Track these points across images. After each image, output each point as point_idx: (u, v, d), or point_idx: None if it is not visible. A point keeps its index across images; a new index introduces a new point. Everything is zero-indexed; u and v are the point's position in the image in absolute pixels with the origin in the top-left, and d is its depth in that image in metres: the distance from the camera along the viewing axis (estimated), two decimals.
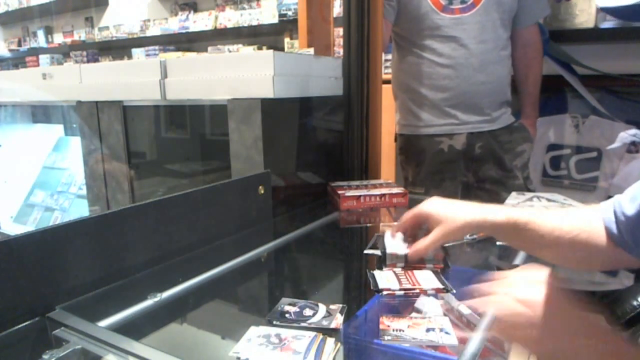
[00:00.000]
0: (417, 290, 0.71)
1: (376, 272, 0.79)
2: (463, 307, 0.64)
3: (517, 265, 0.84)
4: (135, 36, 4.62)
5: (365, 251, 0.91)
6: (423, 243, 0.77)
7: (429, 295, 0.70)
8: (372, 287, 0.74)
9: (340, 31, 1.71)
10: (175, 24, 4.27)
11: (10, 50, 5.85)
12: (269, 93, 1.09)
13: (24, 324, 0.65)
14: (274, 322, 0.63)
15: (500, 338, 0.55)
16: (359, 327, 0.57)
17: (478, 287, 0.59)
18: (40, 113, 1.94)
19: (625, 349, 0.51)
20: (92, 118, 1.47)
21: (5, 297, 0.62)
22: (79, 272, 0.72)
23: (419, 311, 0.67)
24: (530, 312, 0.53)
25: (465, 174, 1.61)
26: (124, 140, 1.43)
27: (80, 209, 1.68)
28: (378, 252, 0.88)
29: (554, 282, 0.55)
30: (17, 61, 5.74)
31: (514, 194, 1.16)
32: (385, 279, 0.76)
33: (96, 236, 0.74)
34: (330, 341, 0.58)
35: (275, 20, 3.60)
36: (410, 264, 0.80)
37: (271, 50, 1.10)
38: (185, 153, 1.51)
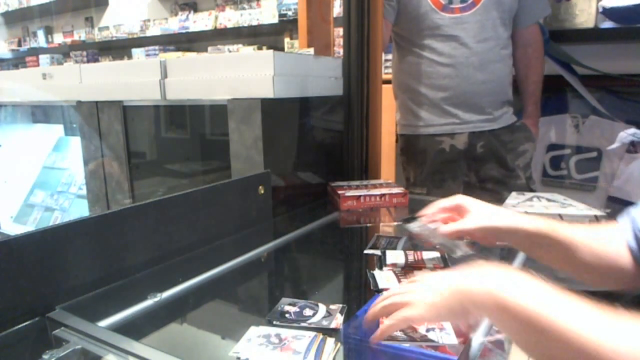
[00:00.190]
0: None
1: (376, 272, 0.79)
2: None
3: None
4: (135, 36, 4.62)
5: (365, 251, 0.92)
6: (462, 225, 0.75)
7: None
8: (372, 287, 0.74)
9: (340, 31, 1.71)
10: (175, 24, 4.27)
11: (11, 50, 5.85)
12: (269, 93, 1.09)
13: (24, 324, 0.65)
14: (274, 322, 0.63)
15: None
16: (359, 327, 0.57)
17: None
18: (40, 113, 1.93)
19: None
20: (92, 118, 1.47)
21: (5, 297, 0.63)
22: (79, 272, 0.72)
23: None
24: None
25: (467, 173, 1.61)
26: (124, 140, 1.43)
27: (80, 209, 1.68)
28: (378, 252, 0.88)
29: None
30: (17, 61, 5.74)
31: (514, 193, 1.16)
32: (385, 279, 0.76)
33: (96, 236, 0.74)
34: (330, 341, 0.58)
35: (275, 20, 3.60)
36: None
37: (271, 50, 1.10)
38: (185, 153, 1.51)
